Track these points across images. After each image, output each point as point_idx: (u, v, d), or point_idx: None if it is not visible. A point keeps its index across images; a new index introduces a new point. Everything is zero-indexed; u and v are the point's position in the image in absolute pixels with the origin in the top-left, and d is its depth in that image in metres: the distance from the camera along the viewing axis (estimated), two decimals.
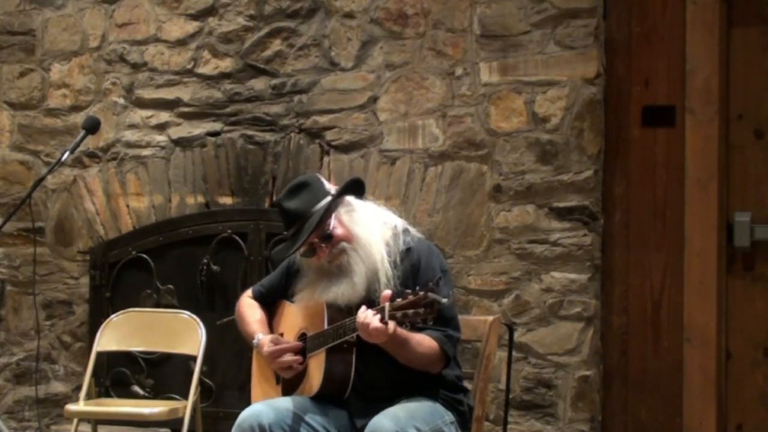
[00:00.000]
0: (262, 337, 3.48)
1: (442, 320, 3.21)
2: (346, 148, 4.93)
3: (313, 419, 3.26)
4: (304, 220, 3.31)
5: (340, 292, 3.28)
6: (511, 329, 3.80)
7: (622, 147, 4.66)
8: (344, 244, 3.31)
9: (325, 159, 4.96)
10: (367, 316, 3.10)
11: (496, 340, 3.57)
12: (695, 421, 4.52)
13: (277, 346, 3.40)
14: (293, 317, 3.52)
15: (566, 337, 4.58)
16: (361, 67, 4.92)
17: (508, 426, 4.28)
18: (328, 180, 3.54)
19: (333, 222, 3.33)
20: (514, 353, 4.16)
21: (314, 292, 3.35)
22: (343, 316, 3.27)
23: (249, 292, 3.70)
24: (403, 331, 3.12)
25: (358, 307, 3.19)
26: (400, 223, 3.43)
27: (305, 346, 3.40)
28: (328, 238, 3.31)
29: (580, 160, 4.60)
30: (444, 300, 3.04)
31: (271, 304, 3.65)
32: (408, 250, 3.35)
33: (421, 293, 3.03)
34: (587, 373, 4.57)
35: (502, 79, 4.71)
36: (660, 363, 4.60)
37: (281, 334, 3.53)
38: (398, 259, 3.32)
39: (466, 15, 4.77)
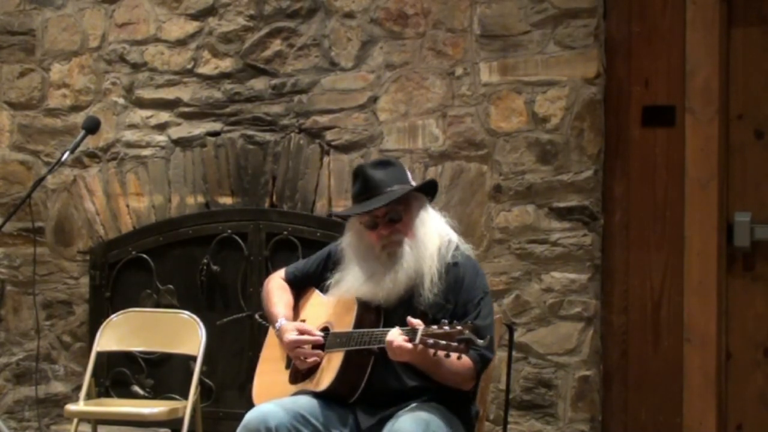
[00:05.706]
0: (285, 323, 3.47)
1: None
2: (346, 148, 4.92)
3: (319, 421, 3.26)
4: (383, 191, 3.32)
5: (382, 284, 3.28)
6: (511, 329, 3.79)
7: (622, 147, 4.66)
8: (403, 236, 3.31)
9: (325, 159, 4.95)
10: (395, 336, 3.09)
11: (496, 340, 3.56)
12: (695, 421, 4.52)
13: (300, 337, 3.39)
14: (320, 308, 3.50)
15: (566, 337, 4.58)
16: (361, 67, 4.92)
17: (508, 426, 4.27)
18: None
19: (405, 210, 3.34)
20: (514, 353, 4.16)
21: (354, 281, 3.35)
22: (372, 319, 3.28)
23: (281, 273, 3.69)
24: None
25: (390, 310, 3.22)
26: (454, 236, 3.42)
27: (325, 341, 3.39)
28: (395, 221, 3.33)
29: (580, 160, 4.59)
30: (480, 342, 3.03)
31: (300, 288, 3.64)
32: (455, 265, 3.34)
33: (458, 327, 3.01)
34: (587, 373, 4.57)
35: (502, 79, 4.70)
36: (660, 363, 4.59)
37: (303, 321, 3.52)
38: (444, 271, 3.31)
39: (466, 15, 4.77)
